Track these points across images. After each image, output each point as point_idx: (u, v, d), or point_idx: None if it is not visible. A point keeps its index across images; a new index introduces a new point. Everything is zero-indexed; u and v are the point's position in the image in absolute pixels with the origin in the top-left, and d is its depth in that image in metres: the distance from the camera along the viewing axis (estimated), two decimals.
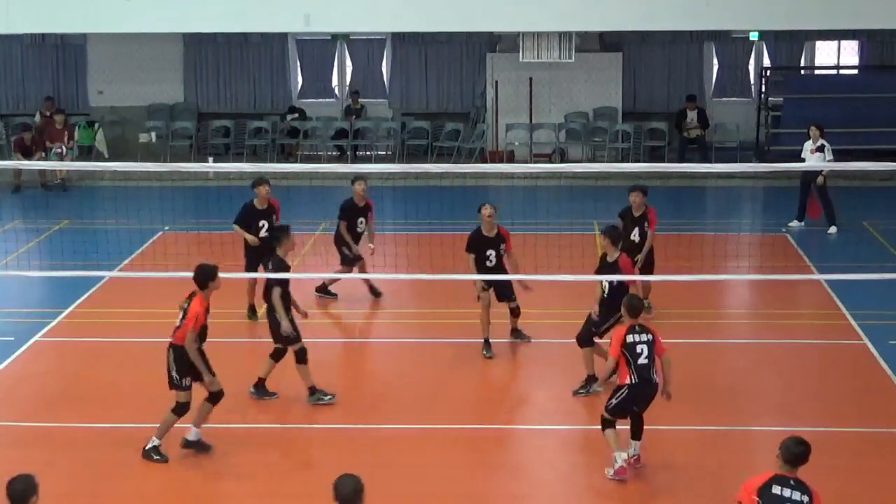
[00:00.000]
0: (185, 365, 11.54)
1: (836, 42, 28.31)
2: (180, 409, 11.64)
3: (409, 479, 11.45)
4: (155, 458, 11.66)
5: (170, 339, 11.64)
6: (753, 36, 27.41)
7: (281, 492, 11.21)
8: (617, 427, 11.18)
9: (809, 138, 20.72)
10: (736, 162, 24.31)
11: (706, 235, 19.88)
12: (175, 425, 11.73)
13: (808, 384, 13.83)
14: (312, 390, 13.15)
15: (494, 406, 13.29)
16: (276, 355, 13.31)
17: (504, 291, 14.53)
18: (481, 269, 14.48)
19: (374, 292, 16.82)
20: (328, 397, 13.13)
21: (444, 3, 23.39)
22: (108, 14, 23.35)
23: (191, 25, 24.78)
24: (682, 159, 25.85)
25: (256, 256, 15.20)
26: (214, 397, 11.78)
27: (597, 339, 13.25)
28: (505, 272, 14.58)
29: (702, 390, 13.14)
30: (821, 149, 20.49)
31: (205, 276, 11.50)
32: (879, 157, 22.12)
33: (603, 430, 11.24)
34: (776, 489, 7.97)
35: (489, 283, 14.36)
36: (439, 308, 16.34)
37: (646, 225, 15.42)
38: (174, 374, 11.60)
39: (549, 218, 19.59)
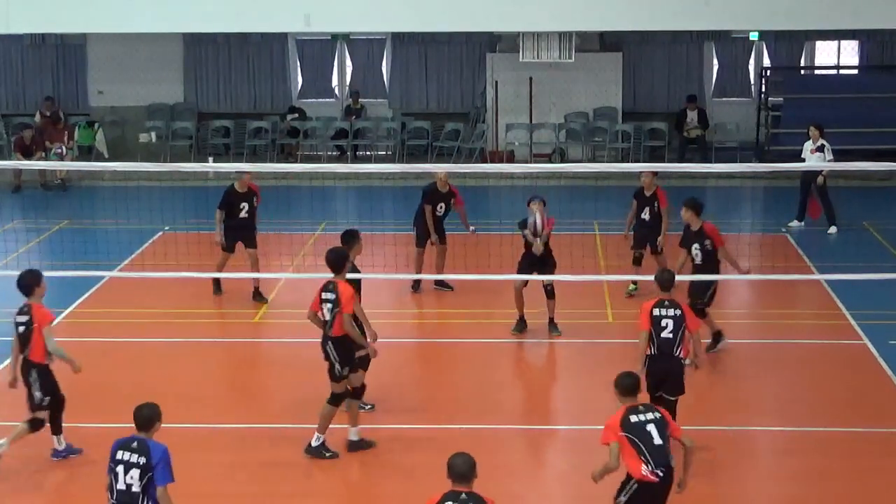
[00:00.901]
0: (349, 354, 11.59)
1: (836, 42, 28.31)
2: (337, 400, 11.62)
3: (409, 479, 11.45)
4: (326, 454, 11.64)
5: (326, 334, 11.55)
6: (753, 36, 27.42)
7: (281, 492, 11.22)
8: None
9: (809, 138, 20.72)
10: (736, 162, 24.33)
11: None
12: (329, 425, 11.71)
13: (808, 384, 13.83)
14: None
15: (494, 406, 13.29)
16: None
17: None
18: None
19: (444, 285, 17.16)
20: (368, 407, 12.97)
21: (444, 3, 23.38)
22: (108, 14, 23.34)
23: (191, 25, 24.78)
24: (682, 159, 25.86)
25: (234, 236, 16.44)
26: (358, 392, 11.88)
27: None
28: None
29: (702, 390, 13.14)
30: (821, 149, 20.49)
31: (342, 260, 11.64)
32: (879, 157, 22.12)
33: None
34: (633, 418, 8.95)
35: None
36: (439, 308, 16.35)
37: (657, 204, 16.42)
38: (337, 366, 11.55)
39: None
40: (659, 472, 8.99)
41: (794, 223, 21.21)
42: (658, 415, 9.16)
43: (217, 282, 16.79)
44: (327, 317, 11.51)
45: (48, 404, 11.51)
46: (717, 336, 14.45)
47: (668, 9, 23.04)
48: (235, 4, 23.34)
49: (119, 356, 14.82)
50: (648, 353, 11.12)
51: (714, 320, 14.33)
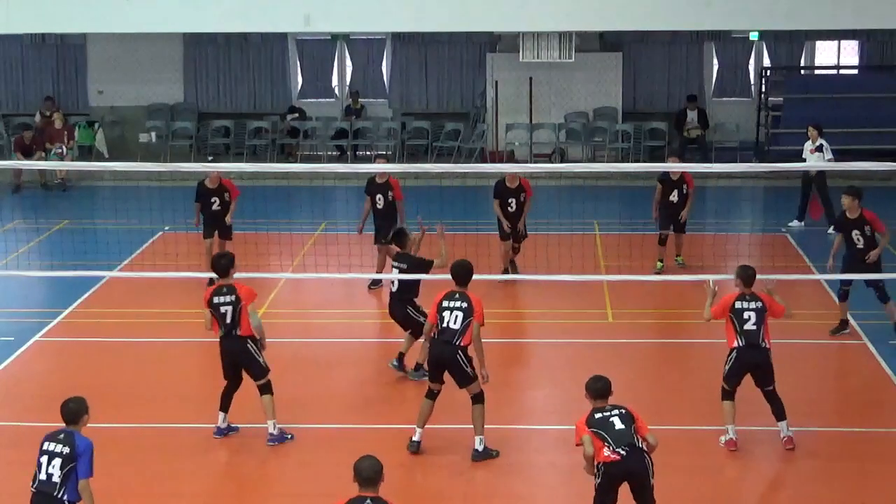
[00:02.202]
0: (469, 360, 11.68)
1: (836, 42, 28.31)
2: (481, 398, 11.75)
3: (408, 479, 11.45)
4: (492, 453, 11.79)
5: (455, 343, 11.57)
6: (753, 36, 27.42)
7: (281, 492, 11.22)
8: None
9: (809, 139, 20.72)
10: (736, 162, 24.32)
11: (706, 235, 19.86)
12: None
13: (808, 384, 13.83)
14: (418, 367, 13.66)
15: (495, 406, 13.27)
16: (415, 332, 13.72)
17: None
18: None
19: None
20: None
21: (444, 3, 23.38)
22: (108, 14, 23.35)
23: (191, 25, 24.79)
24: (682, 159, 25.84)
25: (210, 224, 17.37)
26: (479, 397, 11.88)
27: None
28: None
29: (702, 390, 13.12)
30: (819, 148, 20.48)
31: (470, 273, 11.87)
32: (879, 157, 22.11)
33: (722, 400, 11.83)
34: (598, 415, 9.55)
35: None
36: None
37: (685, 187, 17.68)
38: (469, 370, 11.66)
39: (549, 218, 19.59)
40: (621, 450, 9.39)
41: (794, 223, 21.20)
42: (624, 411, 9.62)
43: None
44: (455, 325, 11.57)
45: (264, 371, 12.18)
46: (843, 324, 15.17)
47: (668, 9, 23.04)
48: (235, 4, 23.34)
49: (119, 356, 14.82)
50: (735, 344, 11.69)
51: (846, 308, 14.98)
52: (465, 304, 11.58)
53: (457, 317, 11.56)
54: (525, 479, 11.46)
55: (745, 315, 11.62)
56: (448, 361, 11.66)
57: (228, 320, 11.91)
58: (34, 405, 13.23)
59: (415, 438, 11.93)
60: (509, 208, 17.30)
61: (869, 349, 14.82)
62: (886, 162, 14.30)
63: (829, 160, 20.14)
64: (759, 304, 11.68)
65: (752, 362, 11.73)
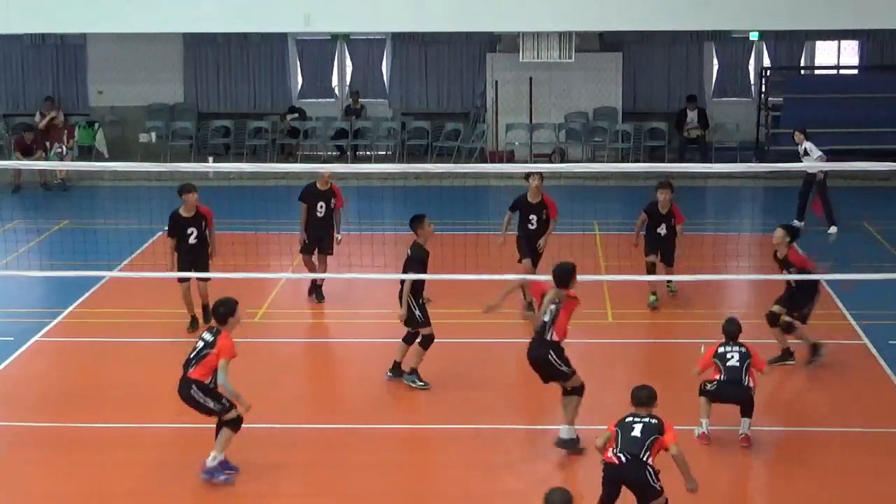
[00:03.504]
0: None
1: (836, 42, 28.31)
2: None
3: (408, 479, 11.45)
4: (578, 445, 11.78)
5: (549, 340, 11.53)
6: (753, 36, 27.41)
7: (281, 492, 11.21)
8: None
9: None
10: (736, 162, 24.32)
11: (706, 235, 19.86)
12: None
13: (809, 384, 13.82)
14: (412, 371, 13.39)
15: (494, 405, 13.28)
16: (408, 339, 13.51)
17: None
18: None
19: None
20: (422, 384, 13.34)
21: (444, 3, 23.39)
22: (108, 14, 23.36)
23: (191, 25, 24.79)
24: (682, 159, 25.85)
25: (187, 263, 14.91)
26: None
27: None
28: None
29: None
30: (806, 152, 20.49)
31: (570, 274, 11.55)
32: (879, 157, 22.10)
33: (699, 395, 12.10)
34: (628, 419, 9.83)
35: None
36: (439, 308, 16.33)
37: (674, 221, 16.27)
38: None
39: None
40: (621, 455, 9.63)
41: (795, 223, 21.18)
42: (654, 421, 9.81)
43: (194, 319, 15.47)
44: (545, 318, 11.62)
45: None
46: (815, 349, 14.23)
47: (668, 9, 23.05)
48: (235, 4, 23.35)
49: (119, 356, 14.81)
50: (717, 378, 12.03)
51: (807, 334, 14.19)
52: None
53: (551, 311, 11.62)
54: (525, 479, 11.45)
55: (729, 355, 12.02)
56: (542, 361, 11.69)
57: (191, 356, 11.09)
58: (34, 405, 13.23)
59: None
60: (530, 225, 16.00)
61: (869, 349, 14.81)
62: (886, 162, 14.27)
63: (819, 158, 20.09)
64: (744, 350, 12.05)
65: (731, 397, 12.03)
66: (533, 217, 15.97)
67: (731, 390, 11.94)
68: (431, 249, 13.64)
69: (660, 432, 9.68)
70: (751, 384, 11.98)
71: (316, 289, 16.73)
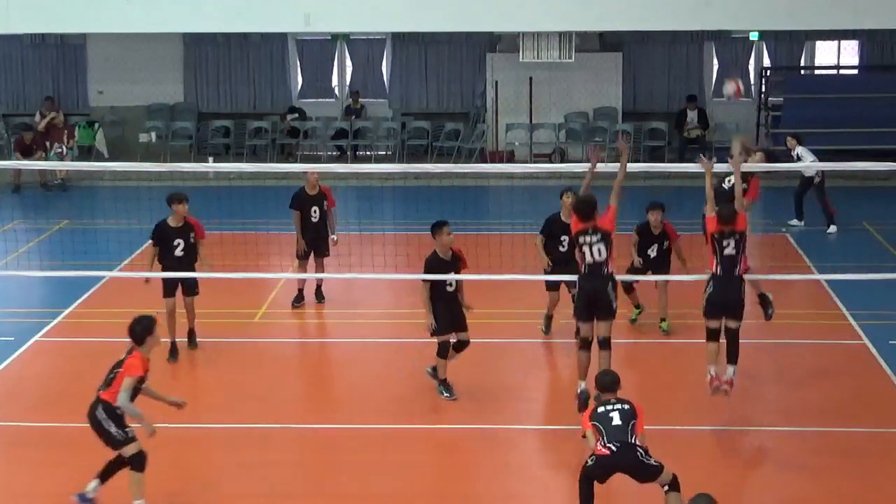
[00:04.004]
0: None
1: (836, 42, 28.32)
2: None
3: (408, 479, 11.45)
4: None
5: (605, 274, 11.96)
6: (753, 36, 27.42)
7: (281, 492, 11.21)
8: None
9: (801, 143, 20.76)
10: None
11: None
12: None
13: (808, 384, 13.82)
14: (440, 381, 13.27)
15: (495, 406, 13.28)
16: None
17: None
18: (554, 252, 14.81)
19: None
20: (447, 395, 13.19)
21: (444, 3, 23.38)
22: (108, 14, 23.35)
23: (191, 25, 24.78)
24: (682, 159, 25.84)
25: (173, 281, 14.35)
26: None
27: None
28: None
29: (702, 390, 13.11)
30: (798, 158, 20.51)
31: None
32: (879, 157, 22.09)
33: (707, 341, 12.40)
34: (600, 409, 9.99)
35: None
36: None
37: (667, 242, 15.53)
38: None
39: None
40: (612, 446, 9.77)
41: (794, 223, 21.21)
42: (627, 406, 9.96)
43: (174, 347, 14.66)
44: (601, 257, 12.11)
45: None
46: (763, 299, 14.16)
47: (668, 9, 23.04)
48: (235, 4, 23.34)
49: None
50: (713, 271, 12.39)
51: None
52: (599, 236, 12.15)
53: (599, 249, 12.05)
54: (524, 479, 11.45)
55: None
56: (600, 294, 12.10)
57: (105, 377, 10.61)
58: (34, 405, 13.23)
59: (581, 389, 12.14)
60: (561, 248, 14.64)
61: (869, 349, 14.82)
62: (886, 162, 14.27)
63: (813, 161, 20.08)
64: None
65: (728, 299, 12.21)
66: (565, 239, 14.44)
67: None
68: (430, 250, 13.58)
69: (634, 416, 9.87)
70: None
71: (316, 289, 16.72)
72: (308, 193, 16.22)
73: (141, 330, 10.61)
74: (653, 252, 15.49)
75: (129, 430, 10.43)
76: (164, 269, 14.44)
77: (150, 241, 14.72)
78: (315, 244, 16.29)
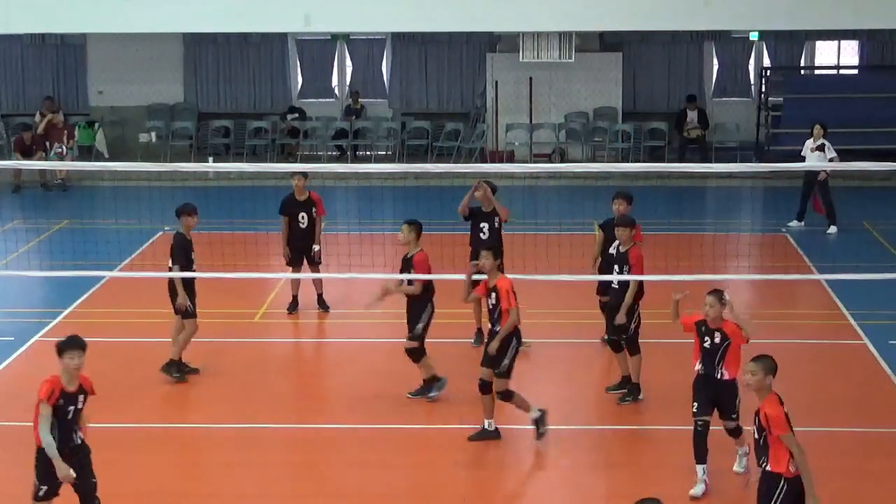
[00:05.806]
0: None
1: (836, 42, 28.33)
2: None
3: (408, 479, 11.46)
4: None
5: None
6: (753, 36, 27.43)
7: (281, 492, 11.21)
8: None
9: (811, 136, 20.71)
10: (736, 162, 24.33)
11: (706, 235, 19.87)
12: None
13: (808, 384, 13.82)
14: (423, 384, 13.23)
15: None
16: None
17: None
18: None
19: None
20: (432, 395, 13.23)
21: (444, 3, 23.38)
22: (108, 14, 23.33)
23: (191, 25, 24.78)
24: (682, 159, 25.87)
25: (191, 291, 13.98)
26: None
27: None
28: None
29: None
30: (821, 147, 20.48)
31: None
32: (879, 157, 22.09)
33: None
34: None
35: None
36: (439, 308, 16.33)
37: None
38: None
39: (549, 218, 19.59)
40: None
41: (794, 223, 21.21)
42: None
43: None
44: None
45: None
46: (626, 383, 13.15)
47: (668, 9, 23.03)
48: (235, 4, 23.33)
49: (119, 356, 14.81)
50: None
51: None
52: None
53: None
54: (525, 479, 11.46)
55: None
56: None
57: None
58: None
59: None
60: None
61: (869, 349, 14.81)
62: (886, 162, 14.27)
63: (832, 159, 20.12)
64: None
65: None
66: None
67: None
68: (429, 249, 13.61)
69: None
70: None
71: (318, 298, 16.61)
72: (296, 199, 16.00)
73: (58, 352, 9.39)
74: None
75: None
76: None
77: (171, 260, 13.87)
78: (304, 252, 16.06)
